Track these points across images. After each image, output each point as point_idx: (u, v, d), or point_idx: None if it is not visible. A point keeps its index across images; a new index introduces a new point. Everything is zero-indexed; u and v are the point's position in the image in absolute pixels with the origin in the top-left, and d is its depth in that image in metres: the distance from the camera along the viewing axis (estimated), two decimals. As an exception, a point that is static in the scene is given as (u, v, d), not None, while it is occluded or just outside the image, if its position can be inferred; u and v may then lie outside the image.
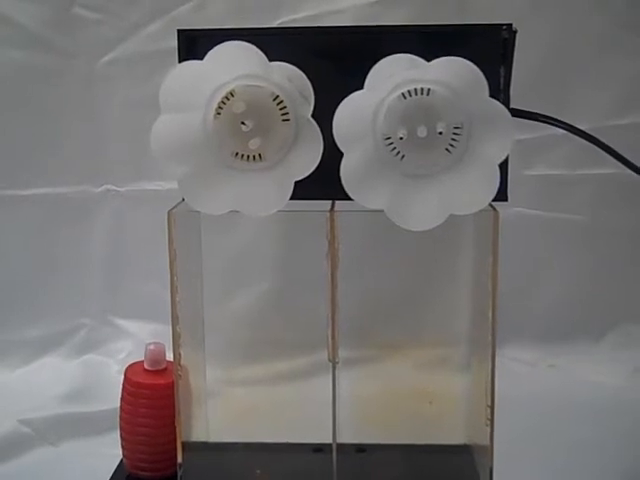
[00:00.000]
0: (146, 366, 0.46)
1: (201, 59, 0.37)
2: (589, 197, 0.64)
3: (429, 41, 0.39)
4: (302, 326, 0.56)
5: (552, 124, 0.42)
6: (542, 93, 0.57)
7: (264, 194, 0.38)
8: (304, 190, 0.37)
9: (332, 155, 0.37)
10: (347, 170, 0.37)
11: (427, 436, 0.47)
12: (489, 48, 0.39)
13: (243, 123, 0.37)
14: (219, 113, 0.37)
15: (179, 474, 0.44)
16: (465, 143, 0.36)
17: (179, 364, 0.43)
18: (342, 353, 0.42)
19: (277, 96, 0.36)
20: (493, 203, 0.38)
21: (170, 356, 0.45)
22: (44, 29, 0.63)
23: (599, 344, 0.66)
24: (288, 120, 0.37)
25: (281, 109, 0.37)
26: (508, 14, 0.58)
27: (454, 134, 0.36)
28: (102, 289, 0.67)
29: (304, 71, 0.37)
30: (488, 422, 0.41)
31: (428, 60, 0.36)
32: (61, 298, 0.67)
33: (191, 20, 0.62)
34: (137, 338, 0.67)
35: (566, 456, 0.51)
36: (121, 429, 0.47)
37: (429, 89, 0.35)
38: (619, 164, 0.42)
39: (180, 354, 0.42)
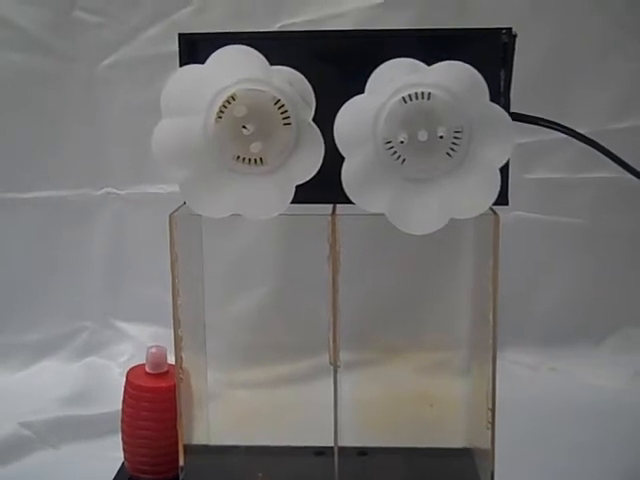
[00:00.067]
0: (147, 369, 0.46)
1: (202, 63, 0.37)
2: (589, 201, 0.64)
3: (429, 45, 0.39)
4: (303, 329, 0.56)
5: (553, 128, 0.42)
6: (542, 96, 0.58)
7: (265, 198, 0.38)
8: (305, 194, 0.38)
9: (333, 159, 0.37)
10: (348, 174, 0.37)
11: (428, 439, 0.47)
12: (489, 52, 0.39)
13: (244, 127, 0.37)
14: (220, 117, 0.37)
15: (181, 477, 0.44)
16: (466, 147, 0.36)
17: (181, 367, 0.43)
18: (343, 356, 0.42)
19: (278, 100, 0.37)
20: (494, 207, 0.38)
21: (171, 359, 0.45)
22: (44, 32, 0.63)
23: (600, 347, 0.66)
24: (289, 124, 0.37)
25: (282, 113, 0.37)
26: (508, 17, 0.59)
27: (455, 138, 0.36)
28: (103, 292, 0.68)
29: (305, 75, 0.37)
30: (489, 425, 0.41)
31: (428, 64, 0.36)
32: (62, 301, 0.67)
33: (191, 24, 0.62)
34: (138, 341, 0.67)
35: (567, 459, 0.51)
36: (123, 432, 0.47)
37: (430, 93, 0.35)
38: (619, 168, 0.42)
39: (182, 357, 0.42)
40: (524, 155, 0.61)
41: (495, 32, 0.39)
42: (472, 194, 0.36)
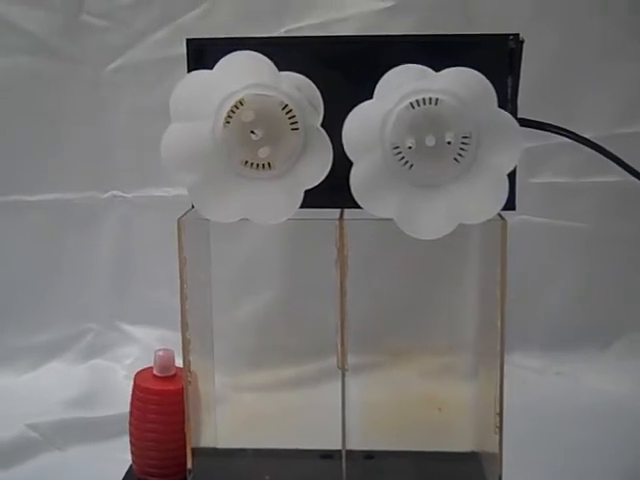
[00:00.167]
0: (155, 372, 0.47)
1: (210, 68, 0.38)
2: (595, 205, 0.64)
3: (436, 51, 0.40)
4: (310, 333, 0.56)
5: (560, 134, 0.42)
6: (547, 101, 0.58)
7: (274, 202, 0.38)
8: (313, 198, 0.38)
9: (341, 164, 0.37)
10: (356, 179, 0.37)
11: (435, 443, 0.47)
12: (496, 58, 0.39)
13: (252, 132, 0.37)
14: (228, 122, 0.37)
15: (188, 479, 0.44)
16: (474, 153, 0.36)
17: (189, 370, 0.43)
18: (350, 360, 0.43)
19: (286, 105, 0.37)
20: (501, 212, 0.38)
21: (179, 362, 0.45)
22: (52, 36, 0.63)
23: (605, 352, 0.66)
24: (297, 129, 0.37)
25: (290, 118, 0.37)
26: (513, 21, 0.59)
27: (462, 144, 0.36)
28: (109, 294, 0.68)
29: (313, 81, 0.37)
30: (497, 430, 0.41)
31: (436, 70, 0.36)
32: (68, 303, 0.67)
33: (197, 27, 0.62)
34: (144, 344, 0.67)
35: (572, 462, 0.51)
36: (130, 434, 0.47)
37: (437, 99, 0.36)
38: (624, 172, 0.43)
39: (190, 360, 0.43)
40: (529, 159, 0.61)
41: (502, 38, 0.39)
42: (480, 199, 0.36)
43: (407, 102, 0.36)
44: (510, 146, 0.36)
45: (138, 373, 0.48)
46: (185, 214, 0.42)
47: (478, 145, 0.36)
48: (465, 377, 0.52)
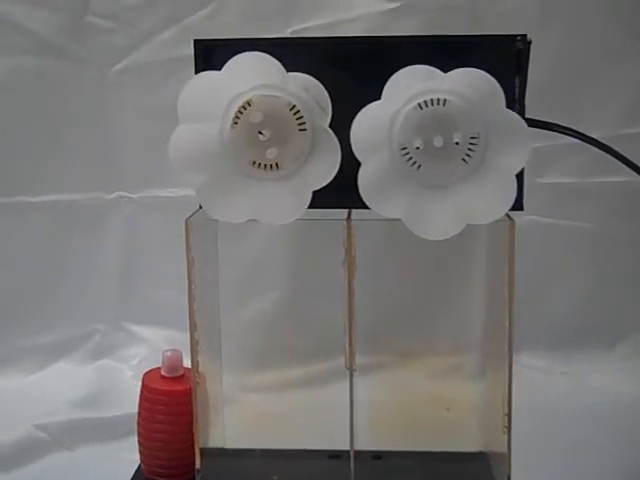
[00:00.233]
0: (163, 373, 0.47)
1: (217, 69, 0.38)
2: (602, 205, 0.64)
3: (444, 51, 0.40)
4: (317, 333, 0.56)
5: (567, 134, 0.42)
6: (554, 102, 0.57)
7: (281, 203, 0.38)
8: (321, 199, 0.38)
9: (349, 164, 0.37)
10: (365, 180, 0.37)
11: (443, 443, 0.47)
12: (504, 59, 0.39)
13: (260, 133, 0.37)
14: (236, 123, 0.37)
15: (197, 480, 0.44)
16: (482, 153, 0.36)
17: (197, 371, 0.43)
18: (358, 360, 0.43)
19: (294, 106, 0.37)
20: (508, 212, 0.38)
21: (187, 363, 0.45)
22: (57, 37, 0.63)
23: (611, 352, 0.66)
24: (305, 130, 0.37)
25: (298, 119, 0.37)
26: (520, 22, 0.59)
27: (470, 144, 0.36)
28: (115, 295, 0.68)
29: (321, 81, 0.37)
30: (505, 430, 0.41)
31: (444, 70, 0.36)
32: (75, 304, 0.67)
33: (204, 28, 0.62)
34: (150, 344, 0.67)
35: (578, 462, 0.51)
36: (139, 435, 0.47)
37: (445, 99, 0.36)
38: (632, 172, 0.43)
39: (198, 361, 0.43)
40: (536, 160, 0.61)
41: (510, 38, 0.39)
42: (488, 200, 0.36)
43: (415, 103, 0.36)
44: (518, 146, 0.36)
45: (146, 373, 0.48)
46: (193, 214, 0.42)
47: (486, 146, 0.36)
48: (473, 377, 0.52)
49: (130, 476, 0.48)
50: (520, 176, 0.37)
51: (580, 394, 0.61)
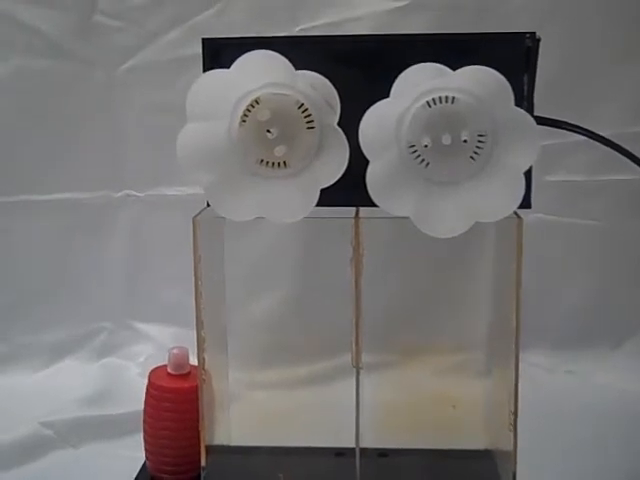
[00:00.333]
0: (170, 370, 0.47)
1: (225, 67, 0.38)
2: (610, 203, 0.64)
3: (453, 49, 0.39)
4: (324, 331, 0.56)
5: (575, 131, 0.42)
6: (561, 100, 0.57)
7: (289, 201, 0.38)
8: (329, 197, 0.38)
9: (357, 162, 0.37)
10: (373, 178, 0.37)
11: (449, 441, 0.47)
12: (512, 56, 0.39)
13: (268, 131, 0.37)
14: (244, 121, 0.37)
15: (202, 477, 0.44)
16: (490, 151, 0.36)
17: (203, 368, 0.43)
18: (365, 358, 0.43)
19: (302, 104, 0.37)
20: (516, 210, 0.38)
21: (193, 360, 0.45)
22: (64, 36, 0.64)
23: (616, 351, 0.66)
24: (313, 128, 0.37)
25: (306, 117, 0.37)
26: (528, 19, 0.59)
27: (479, 142, 0.36)
28: (122, 293, 0.68)
29: (330, 79, 0.37)
30: (511, 428, 0.41)
31: (452, 68, 0.36)
32: (82, 302, 0.68)
33: (211, 27, 0.62)
34: (156, 342, 0.67)
35: (583, 460, 0.51)
36: (144, 432, 0.47)
37: (453, 97, 0.36)
38: (639, 170, 0.42)
39: (204, 358, 0.43)
40: (544, 157, 0.60)
41: (519, 36, 0.39)
42: (497, 198, 0.36)
43: (424, 101, 0.36)
44: (527, 144, 0.36)
45: (152, 371, 0.48)
46: (200, 213, 0.42)
47: (495, 143, 0.36)
48: (479, 375, 0.52)
49: (135, 473, 0.48)
50: (528, 174, 0.37)
51: (585, 393, 0.61)
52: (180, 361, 0.47)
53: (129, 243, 0.67)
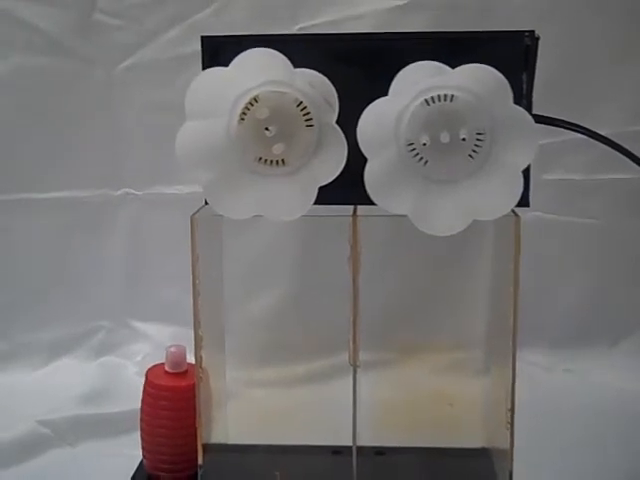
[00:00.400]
0: (167, 368, 0.47)
1: (224, 65, 0.38)
2: (608, 202, 0.64)
3: (452, 47, 0.39)
4: (322, 329, 0.56)
5: (574, 130, 0.42)
6: (560, 99, 0.57)
7: (288, 199, 0.38)
8: (327, 195, 0.38)
9: (356, 160, 0.37)
10: (371, 176, 0.37)
11: (446, 439, 0.48)
12: (511, 54, 0.39)
13: (267, 129, 0.37)
14: (243, 119, 0.37)
15: (199, 475, 0.44)
16: (488, 149, 0.36)
17: (201, 367, 0.43)
18: (362, 356, 0.43)
19: (301, 102, 0.37)
20: (514, 208, 0.38)
21: (190, 358, 0.45)
22: (64, 34, 0.64)
23: (614, 350, 0.66)
24: (312, 126, 0.37)
25: (305, 115, 0.37)
26: (528, 18, 0.59)
27: (477, 140, 0.36)
28: (120, 291, 0.68)
29: (329, 77, 0.37)
30: (508, 426, 0.41)
31: (451, 66, 0.36)
32: (80, 300, 0.68)
33: (210, 26, 0.62)
34: (154, 340, 0.67)
35: (580, 459, 0.51)
36: (142, 430, 0.47)
37: (452, 95, 0.36)
38: (638, 169, 0.42)
39: (202, 357, 0.43)
40: (542, 156, 0.60)
41: (518, 34, 0.39)
42: (495, 196, 0.36)
43: (422, 99, 0.36)
44: (525, 142, 0.36)
45: (150, 369, 0.48)
46: (198, 211, 0.42)
47: (493, 141, 0.36)
48: (476, 373, 0.52)
49: (133, 472, 0.48)
50: (526, 172, 0.37)
51: (583, 391, 0.61)
52: (177, 359, 0.47)
53: (128, 241, 0.67)
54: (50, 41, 0.64)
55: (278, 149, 0.37)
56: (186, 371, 0.47)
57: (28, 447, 0.54)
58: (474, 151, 0.36)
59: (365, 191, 0.37)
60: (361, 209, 0.41)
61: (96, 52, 0.64)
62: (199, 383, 0.43)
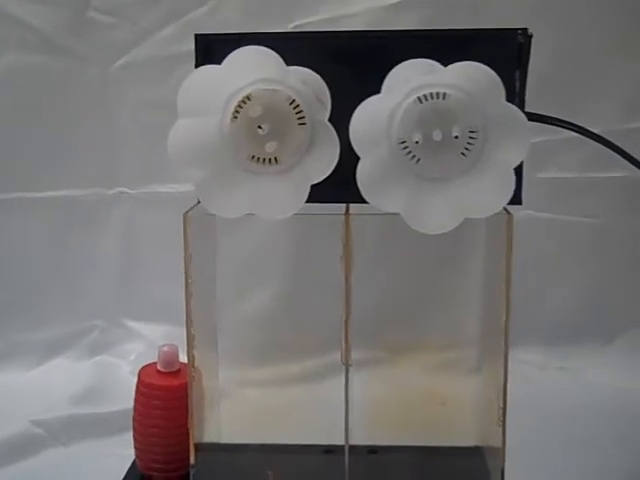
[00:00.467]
0: (159, 368, 0.47)
1: (218, 63, 0.38)
2: (601, 200, 0.64)
3: (444, 45, 0.39)
4: (315, 328, 0.56)
5: (568, 128, 0.42)
6: (553, 96, 0.57)
7: (280, 197, 0.38)
8: (319, 193, 0.38)
9: (348, 158, 0.37)
10: (363, 174, 0.37)
11: (439, 438, 0.47)
12: (504, 52, 0.39)
13: (260, 127, 0.37)
14: (236, 117, 0.37)
15: (191, 475, 0.44)
16: (481, 147, 0.36)
17: (193, 366, 0.43)
18: (354, 355, 0.43)
19: (293, 100, 0.37)
20: (506, 206, 0.38)
21: (183, 358, 0.45)
22: (58, 33, 0.63)
23: (609, 347, 0.66)
24: (304, 124, 0.37)
25: (297, 113, 0.37)
26: (521, 15, 0.59)
27: (470, 138, 0.36)
28: (114, 291, 0.68)
29: (321, 75, 0.37)
30: (500, 424, 0.41)
31: (444, 64, 0.36)
32: (73, 300, 0.68)
33: (205, 24, 0.62)
34: (148, 340, 0.67)
35: (574, 458, 0.51)
36: (134, 430, 0.47)
37: (445, 93, 0.36)
38: (631, 167, 0.42)
39: (194, 356, 0.43)
40: (536, 154, 0.61)
41: (511, 32, 0.39)
42: (487, 194, 0.36)
43: (415, 96, 0.36)
44: (518, 140, 0.36)
45: (142, 369, 0.48)
46: (191, 209, 0.42)
47: (486, 139, 0.36)
48: (469, 372, 0.52)
49: (125, 471, 0.48)
50: (519, 170, 0.37)
51: (576, 389, 0.61)
52: (170, 359, 0.47)
53: (121, 240, 0.67)
54: (44, 39, 0.63)
55: (271, 147, 0.37)
56: (179, 370, 0.47)
57: (21, 447, 0.53)
58: (466, 149, 0.36)
59: (357, 189, 0.37)
60: (353, 207, 0.41)
61: (90, 50, 0.64)
62: (191, 382, 0.43)
